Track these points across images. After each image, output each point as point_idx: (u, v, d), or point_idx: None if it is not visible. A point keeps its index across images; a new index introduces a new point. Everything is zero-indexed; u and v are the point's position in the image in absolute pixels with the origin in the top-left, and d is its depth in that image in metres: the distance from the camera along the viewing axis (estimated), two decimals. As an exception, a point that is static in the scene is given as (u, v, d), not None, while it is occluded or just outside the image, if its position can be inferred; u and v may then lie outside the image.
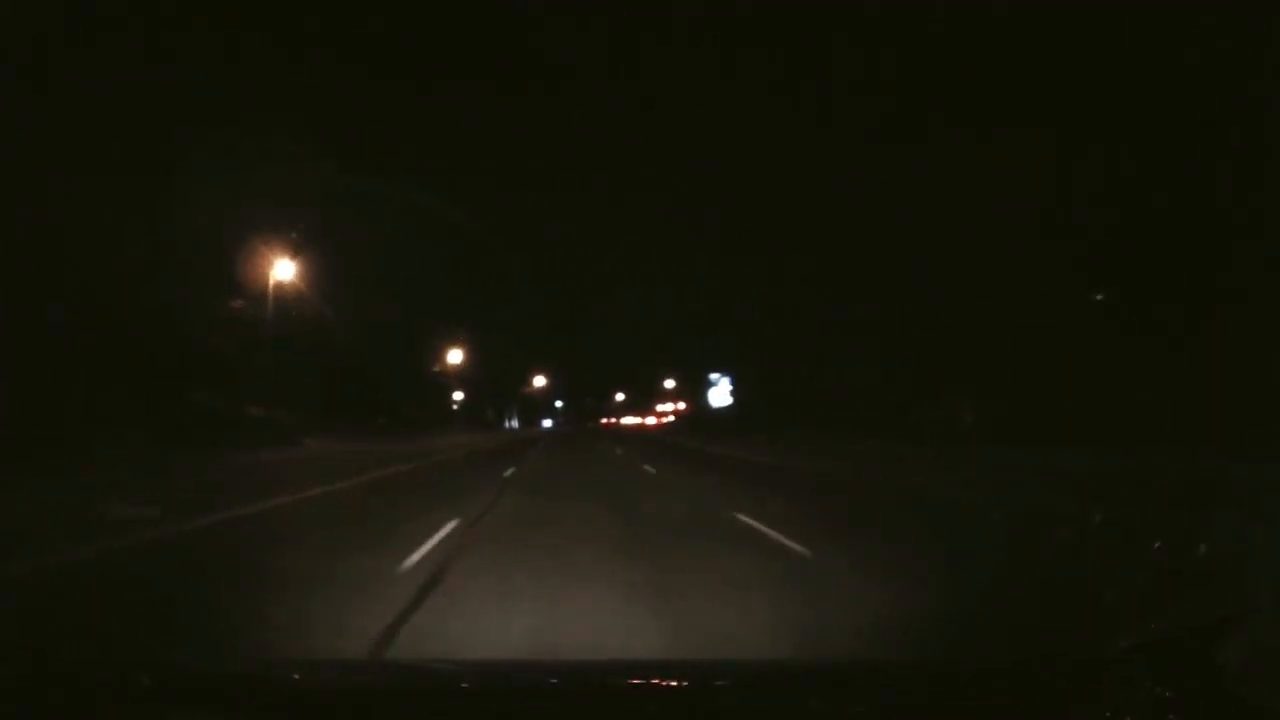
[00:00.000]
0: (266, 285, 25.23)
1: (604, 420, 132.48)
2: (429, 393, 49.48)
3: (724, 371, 76.11)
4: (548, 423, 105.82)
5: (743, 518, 10.05)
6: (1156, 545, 3.30)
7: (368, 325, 38.61)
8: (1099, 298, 24.79)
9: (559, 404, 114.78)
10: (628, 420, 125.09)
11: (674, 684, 2.54)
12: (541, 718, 2.14)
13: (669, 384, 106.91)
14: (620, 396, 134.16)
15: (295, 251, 25.26)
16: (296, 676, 2.38)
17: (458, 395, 65.72)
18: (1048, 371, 23.21)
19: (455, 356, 46.30)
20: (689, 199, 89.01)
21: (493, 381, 75.26)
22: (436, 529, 8.88)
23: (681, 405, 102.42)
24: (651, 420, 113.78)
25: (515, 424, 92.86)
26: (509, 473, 19.18)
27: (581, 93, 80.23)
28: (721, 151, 69.15)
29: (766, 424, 40.61)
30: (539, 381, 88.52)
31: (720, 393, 76.84)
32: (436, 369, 44.79)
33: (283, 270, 25.14)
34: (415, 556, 7.22)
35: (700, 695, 2.30)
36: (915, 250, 30.72)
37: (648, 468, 21.88)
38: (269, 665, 2.77)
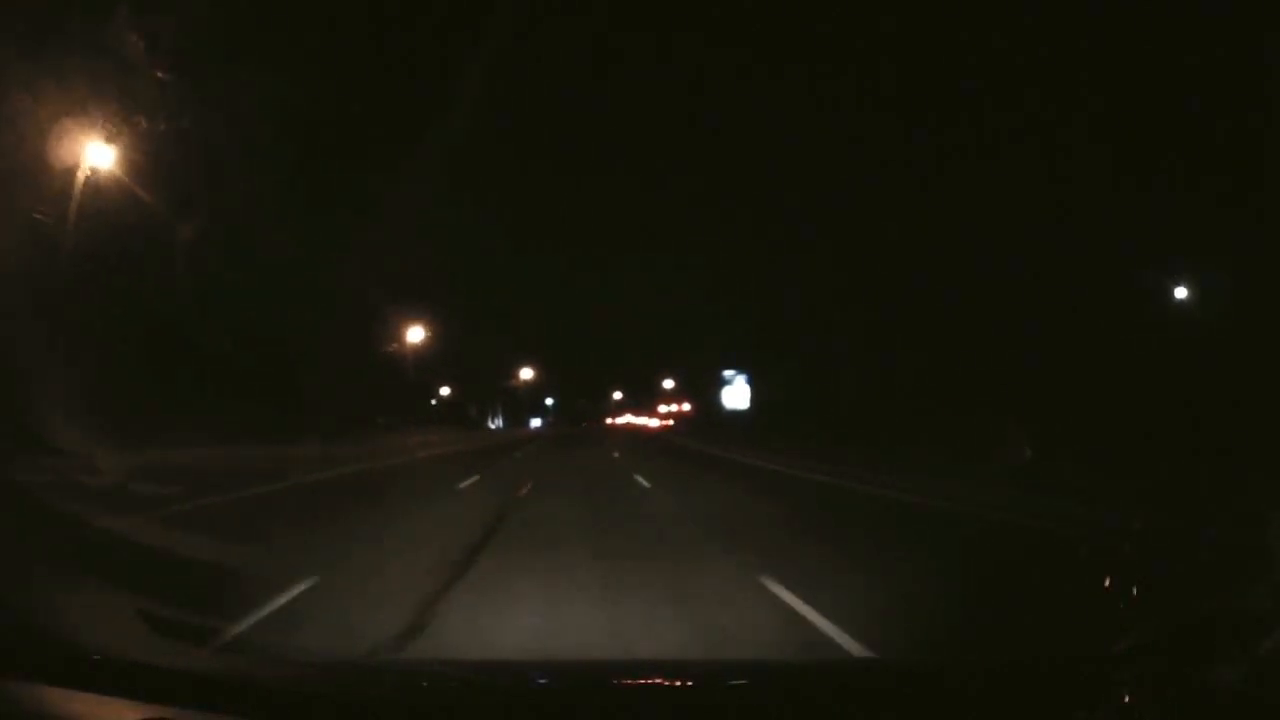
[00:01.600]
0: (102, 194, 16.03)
1: (610, 420, 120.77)
2: (391, 385, 39.89)
3: (740, 369, 66.88)
4: (536, 422, 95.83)
5: None
6: None
7: (309, 293, 29.31)
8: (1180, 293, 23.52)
9: (549, 401, 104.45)
10: (640, 420, 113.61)
11: (678, 684, 2.59)
12: (544, 718, 2.12)
13: (668, 384, 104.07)
14: (618, 395, 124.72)
15: (115, 132, 15.94)
16: (295, 677, 2.45)
17: (444, 391, 61.17)
18: (1104, 384, 21.15)
19: (416, 334, 36.60)
20: (697, 188, 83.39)
21: (478, 375, 67.17)
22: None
23: (686, 406, 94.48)
24: (654, 422, 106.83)
25: (500, 423, 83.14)
26: None
27: (586, 76, 73.84)
28: (737, 140, 64.18)
29: (799, 430, 33.82)
30: (526, 374, 78.37)
31: (736, 393, 67.94)
32: (394, 347, 35.25)
33: (97, 157, 15.83)
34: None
35: (704, 695, 2.34)
36: (958, 248, 29.38)
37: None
38: (269, 665, 2.90)
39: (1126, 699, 2.03)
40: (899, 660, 3.95)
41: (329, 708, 2.03)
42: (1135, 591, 3.90)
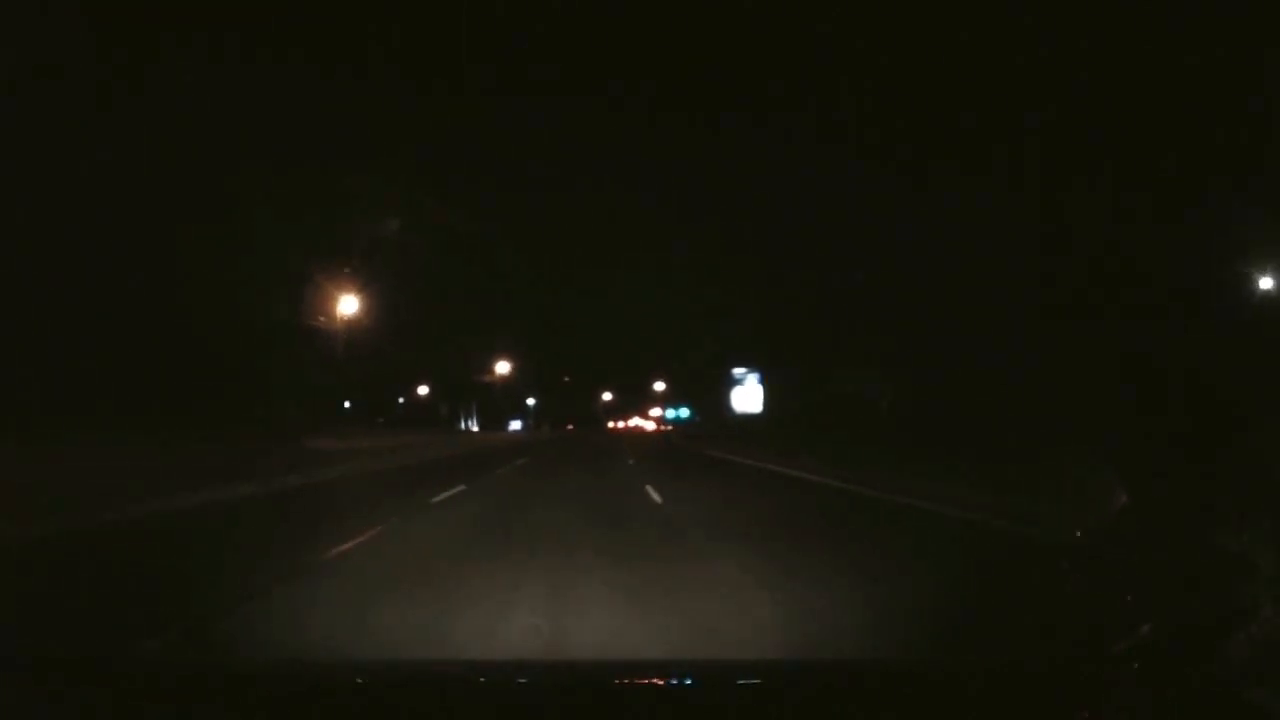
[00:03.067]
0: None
1: (613, 424, 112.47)
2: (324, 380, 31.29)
3: (752, 368, 58.74)
4: (515, 424, 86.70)
5: None
6: None
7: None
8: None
9: (531, 401, 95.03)
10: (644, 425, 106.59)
11: (677, 684, 2.59)
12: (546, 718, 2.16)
13: (659, 386, 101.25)
14: (607, 396, 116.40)
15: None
16: (290, 676, 2.44)
17: (423, 390, 59.18)
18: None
19: (350, 305, 27.51)
20: (697, 184, 77.51)
21: (448, 371, 59.26)
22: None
23: (684, 411, 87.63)
24: (650, 426, 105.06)
25: (475, 425, 74.06)
26: None
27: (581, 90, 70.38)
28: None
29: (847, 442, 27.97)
30: (503, 368, 69.17)
31: (746, 394, 59.86)
32: (320, 320, 26.34)
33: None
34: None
35: (704, 695, 2.36)
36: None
37: None
38: (263, 665, 2.92)
39: (1126, 699, 2.05)
40: (899, 660, 4.01)
41: (325, 707, 2.04)
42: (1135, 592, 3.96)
